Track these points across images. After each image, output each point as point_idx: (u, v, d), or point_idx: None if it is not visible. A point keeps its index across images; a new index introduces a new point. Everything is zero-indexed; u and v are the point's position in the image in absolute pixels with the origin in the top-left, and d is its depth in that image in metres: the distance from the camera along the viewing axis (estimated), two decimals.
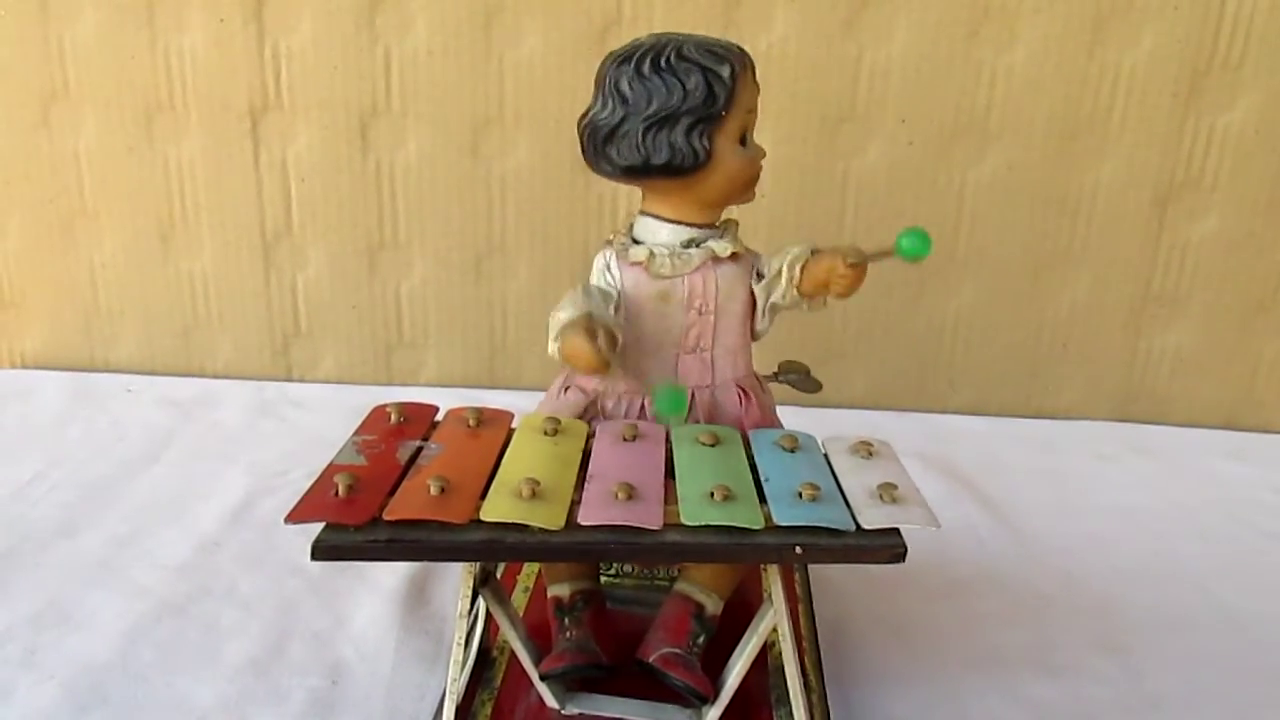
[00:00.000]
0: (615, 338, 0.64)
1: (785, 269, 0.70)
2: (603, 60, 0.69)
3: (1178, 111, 1.22)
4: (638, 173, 0.67)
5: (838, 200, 1.28)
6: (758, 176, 0.71)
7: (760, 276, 0.72)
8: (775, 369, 0.81)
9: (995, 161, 1.26)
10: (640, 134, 0.66)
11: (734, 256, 0.71)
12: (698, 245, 0.70)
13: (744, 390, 0.73)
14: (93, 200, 1.37)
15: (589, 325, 0.62)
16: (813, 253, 0.70)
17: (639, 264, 0.69)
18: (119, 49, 1.29)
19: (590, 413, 0.72)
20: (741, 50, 0.69)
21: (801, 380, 0.81)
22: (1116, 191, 1.26)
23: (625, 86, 0.66)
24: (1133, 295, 1.31)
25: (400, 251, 1.36)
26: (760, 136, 0.71)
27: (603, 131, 0.67)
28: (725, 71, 0.66)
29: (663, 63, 0.65)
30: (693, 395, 0.71)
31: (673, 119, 0.65)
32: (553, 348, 0.65)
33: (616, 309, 0.68)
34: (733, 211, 0.74)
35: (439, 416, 0.70)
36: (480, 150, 1.30)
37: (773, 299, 0.71)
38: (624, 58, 0.67)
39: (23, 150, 1.35)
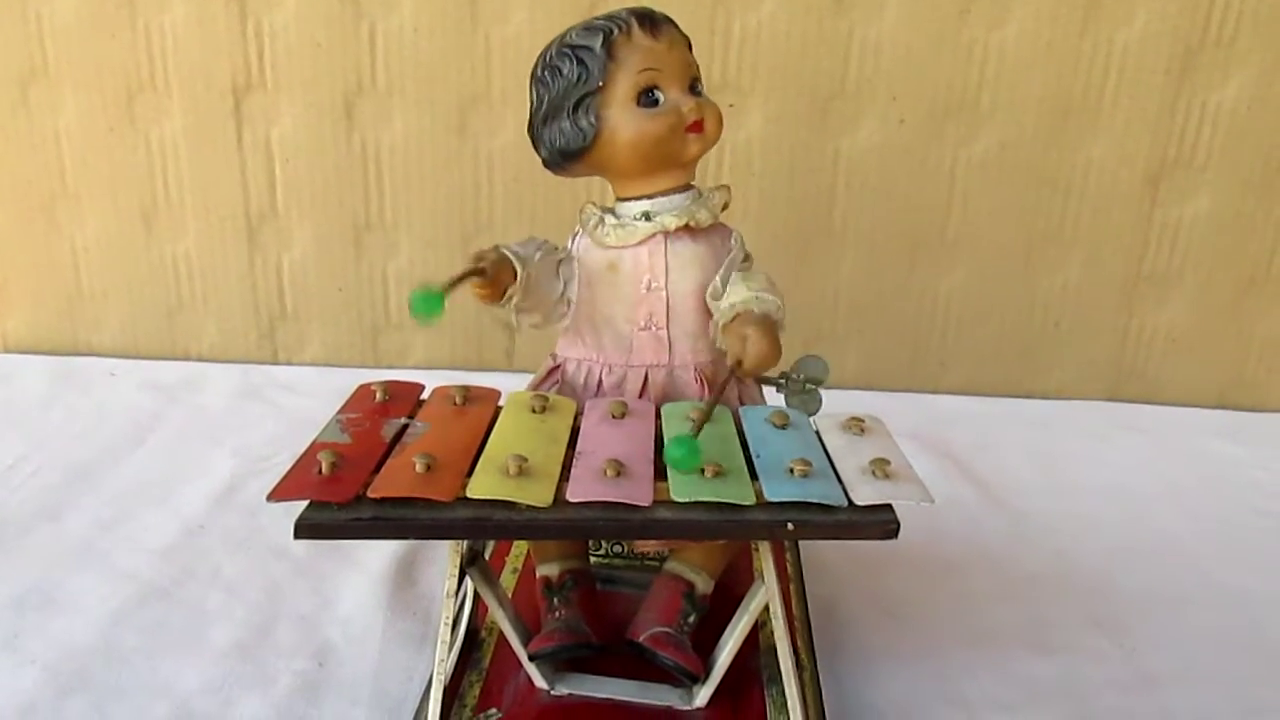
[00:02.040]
0: (514, 268, 0.63)
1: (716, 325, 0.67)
2: None
3: (1170, 89, 1.22)
4: (551, 165, 0.69)
5: (829, 178, 1.27)
6: (677, 126, 0.66)
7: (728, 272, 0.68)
8: (789, 366, 0.70)
9: (987, 140, 1.25)
10: (541, 131, 0.68)
11: (689, 230, 0.68)
12: (650, 218, 0.68)
13: (705, 378, 0.70)
14: (74, 182, 1.35)
15: (482, 251, 0.62)
16: (737, 316, 0.64)
17: (588, 230, 0.70)
18: (99, 27, 1.27)
19: (554, 376, 0.72)
20: (629, 12, 0.66)
21: (798, 396, 0.69)
22: (1108, 170, 1.25)
23: (531, 94, 0.69)
24: (1125, 274, 1.30)
25: (387, 232, 1.35)
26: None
27: (531, 136, 0.70)
28: (596, 43, 0.65)
29: (546, 60, 0.68)
30: (646, 375, 0.70)
31: (560, 109, 0.66)
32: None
33: (562, 262, 0.69)
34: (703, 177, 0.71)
35: (425, 394, 0.69)
36: (467, 129, 1.29)
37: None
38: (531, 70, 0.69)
39: (1, 132, 1.33)
